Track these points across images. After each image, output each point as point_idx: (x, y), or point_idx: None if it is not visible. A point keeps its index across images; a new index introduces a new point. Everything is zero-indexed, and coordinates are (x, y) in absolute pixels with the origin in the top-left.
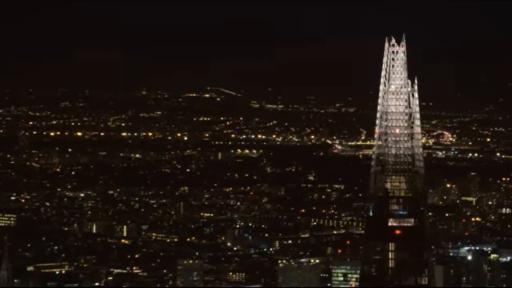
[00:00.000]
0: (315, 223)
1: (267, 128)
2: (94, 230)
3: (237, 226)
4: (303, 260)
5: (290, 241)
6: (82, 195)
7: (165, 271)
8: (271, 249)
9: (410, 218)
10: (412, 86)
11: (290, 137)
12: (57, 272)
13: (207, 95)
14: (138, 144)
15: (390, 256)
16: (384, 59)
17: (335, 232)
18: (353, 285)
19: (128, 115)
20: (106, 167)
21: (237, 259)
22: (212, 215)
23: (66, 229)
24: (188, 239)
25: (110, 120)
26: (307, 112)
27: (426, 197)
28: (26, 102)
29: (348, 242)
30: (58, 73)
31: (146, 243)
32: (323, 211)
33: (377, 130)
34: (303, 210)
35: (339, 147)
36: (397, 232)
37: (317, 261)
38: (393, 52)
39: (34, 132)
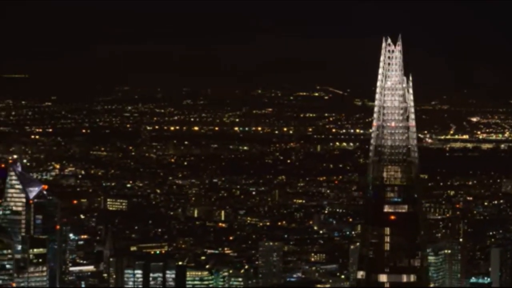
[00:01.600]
0: None
1: (366, 123)
2: (195, 215)
3: (325, 212)
4: None
5: None
6: (189, 182)
7: (253, 251)
8: (353, 232)
9: (404, 204)
10: (407, 83)
11: None
12: (158, 252)
13: (316, 94)
14: (247, 138)
15: (385, 240)
16: (381, 58)
17: None
18: None
19: (242, 111)
20: (215, 158)
21: (321, 241)
22: (303, 201)
23: (171, 213)
24: (279, 223)
25: (226, 116)
26: None
27: (420, 186)
28: (153, 100)
29: None
30: (183, 74)
31: (241, 226)
32: None
33: (374, 123)
34: None
35: (429, 140)
36: (392, 217)
37: None
38: (389, 51)
39: (156, 127)
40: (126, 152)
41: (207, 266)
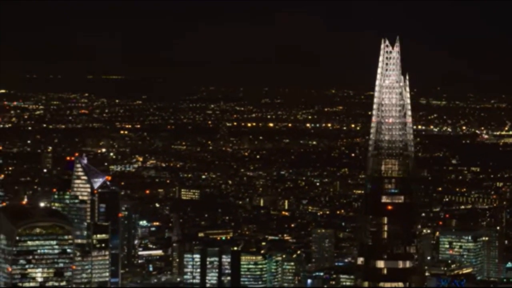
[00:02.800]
0: (447, 199)
1: (428, 120)
2: (261, 204)
3: None
4: None
5: (423, 214)
6: (257, 174)
7: (310, 238)
8: None
9: (401, 195)
10: (405, 81)
11: (445, 128)
12: (224, 238)
13: None
14: (317, 133)
15: (383, 229)
16: (380, 58)
17: (462, 207)
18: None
19: (314, 109)
20: (286, 152)
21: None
22: (362, 192)
23: (240, 202)
24: (338, 212)
25: (299, 114)
26: (464, 108)
27: (416, 178)
28: (235, 99)
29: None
30: (262, 74)
31: (302, 215)
32: (456, 189)
33: (373, 119)
34: (439, 188)
35: (485, 136)
36: (389, 207)
37: (428, 231)
38: (387, 52)
39: (235, 123)
40: (205, 147)
41: (261, 251)
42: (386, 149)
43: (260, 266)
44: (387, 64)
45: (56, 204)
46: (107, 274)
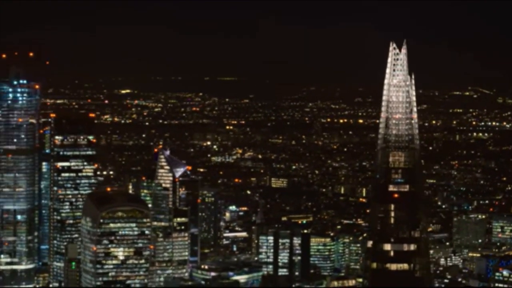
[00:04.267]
0: (510, 188)
1: (502, 117)
2: (342, 191)
3: (449, 190)
4: (472, 216)
5: (486, 201)
6: (340, 165)
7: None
8: (470, 207)
9: (406, 184)
10: (411, 81)
11: None
12: (304, 222)
13: (467, 93)
14: None
15: (390, 215)
16: (389, 59)
17: None
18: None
19: None
20: (370, 145)
21: (441, 215)
22: (434, 181)
23: (323, 190)
24: None
25: None
26: None
27: (421, 168)
28: (331, 98)
29: None
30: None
31: None
32: None
33: (382, 115)
34: (504, 178)
35: None
36: (395, 195)
37: (483, 216)
38: (395, 53)
39: (328, 120)
40: (299, 140)
41: (331, 234)
42: (394, 142)
43: (328, 247)
44: (394, 65)
45: (145, 191)
46: (187, 253)
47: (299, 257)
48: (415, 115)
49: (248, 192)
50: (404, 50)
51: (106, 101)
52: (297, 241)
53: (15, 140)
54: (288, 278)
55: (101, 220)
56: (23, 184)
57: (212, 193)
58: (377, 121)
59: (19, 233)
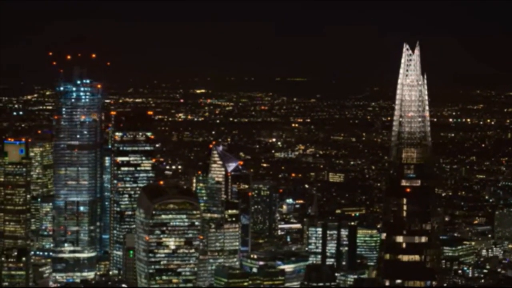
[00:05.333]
0: None
1: None
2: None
3: (498, 185)
4: None
5: None
6: None
7: None
8: None
9: (418, 179)
10: (423, 80)
11: None
12: (357, 214)
13: None
14: (457, 127)
15: (403, 208)
16: (402, 60)
17: None
18: None
19: (459, 107)
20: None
21: (489, 209)
22: (484, 176)
23: (378, 184)
24: (459, 193)
25: (445, 110)
26: None
27: (433, 164)
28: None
29: None
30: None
31: None
32: None
33: (396, 113)
34: None
35: None
36: (408, 190)
37: None
38: (409, 54)
39: (389, 118)
40: (359, 137)
41: (378, 226)
42: (406, 139)
43: (374, 239)
44: (408, 65)
45: (201, 184)
46: (237, 243)
47: (346, 248)
48: (427, 113)
49: (306, 186)
50: (417, 51)
51: (182, 100)
52: (344, 232)
53: (78, 136)
54: (331, 267)
55: (154, 212)
56: (86, 177)
57: (268, 187)
58: (435, 119)
59: (82, 223)
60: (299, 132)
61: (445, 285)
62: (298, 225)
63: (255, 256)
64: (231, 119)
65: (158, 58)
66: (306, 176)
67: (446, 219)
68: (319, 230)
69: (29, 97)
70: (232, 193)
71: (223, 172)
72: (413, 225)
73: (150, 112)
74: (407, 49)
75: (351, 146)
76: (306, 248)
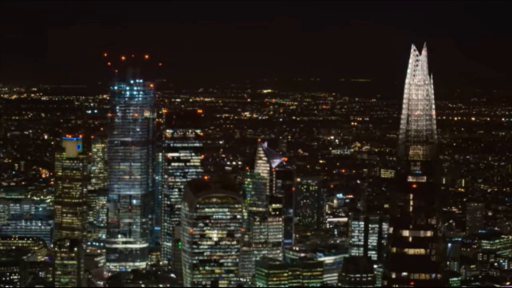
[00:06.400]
0: None
1: None
2: (443, 182)
3: None
4: None
5: None
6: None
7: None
8: None
9: (424, 176)
10: (430, 80)
11: None
12: None
13: None
14: (509, 126)
15: (409, 203)
16: (410, 60)
17: None
18: None
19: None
20: (477, 141)
21: None
22: None
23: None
24: (504, 189)
25: (498, 110)
26: None
27: (440, 161)
28: (450, 98)
29: None
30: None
31: (474, 191)
32: None
33: (403, 112)
34: None
35: None
36: (414, 186)
37: None
38: (416, 55)
39: (444, 117)
40: None
41: None
42: (413, 137)
43: None
44: (416, 65)
45: (248, 180)
46: (281, 235)
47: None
48: (433, 112)
49: (358, 181)
50: (424, 52)
51: (249, 100)
52: (386, 226)
53: (131, 133)
54: (369, 260)
55: (197, 205)
56: (138, 172)
57: (316, 182)
58: (488, 119)
59: (134, 216)
60: (357, 130)
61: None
62: (345, 219)
63: (297, 248)
64: (293, 117)
65: (231, 59)
66: (359, 172)
67: (489, 213)
68: (362, 223)
69: (105, 96)
70: (276, 187)
71: (268, 168)
72: (419, 220)
73: (199, 111)
74: (414, 50)
75: None
76: (350, 241)
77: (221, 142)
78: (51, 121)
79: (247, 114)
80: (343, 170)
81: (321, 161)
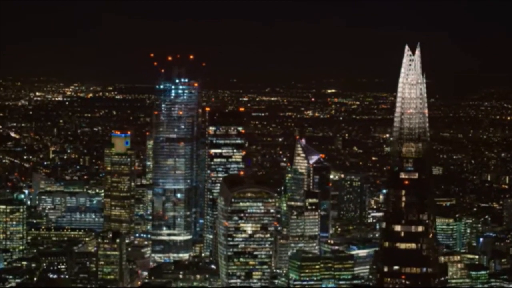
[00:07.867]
0: None
1: None
2: (488, 178)
3: None
4: None
5: None
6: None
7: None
8: None
9: (415, 172)
10: (423, 79)
11: None
12: (448, 204)
13: None
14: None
15: (401, 199)
16: (404, 60)
17: None
18: None
19: None
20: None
21: None
22: None
23: (474, 177)
24: None
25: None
26: None
27: (431, 158)
28: (505, 98)
29: None
30: None
31: None
32: None
33: (397, 110)
34: None
35: None
36: (406, 182)
37: None
38: (409, 55)
39: (497, 117)
40: (466, 134)
41: (456, 216)
42: (406, 134)
43: (451, 227)
44: (409, 65)
45: (289, 175)
46: (317, 229)
47: None
48: (426, 110)
49: None
50: (417, 52)
51: (313, 99)
52: None
53: (175, 129)
54: None
55: (232, 200)
56: (182, 167)
57: (359, 178)
58: None
59: (178, 209)
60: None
61: None
62: None
63: (332, 241)
64: (353, 116)
65: (298, 59)
66: None
67: None
68: None
69: None
70: (314, 183)
71: (306, 164)
72: (411, 215)
73: (242, 109)
74: (408, 50)
75: (456, 141)
76: None
77: (280, 140)
78: (121, 118)
79: (310, 113)
80: (390, 167)
81: (373, 158)
